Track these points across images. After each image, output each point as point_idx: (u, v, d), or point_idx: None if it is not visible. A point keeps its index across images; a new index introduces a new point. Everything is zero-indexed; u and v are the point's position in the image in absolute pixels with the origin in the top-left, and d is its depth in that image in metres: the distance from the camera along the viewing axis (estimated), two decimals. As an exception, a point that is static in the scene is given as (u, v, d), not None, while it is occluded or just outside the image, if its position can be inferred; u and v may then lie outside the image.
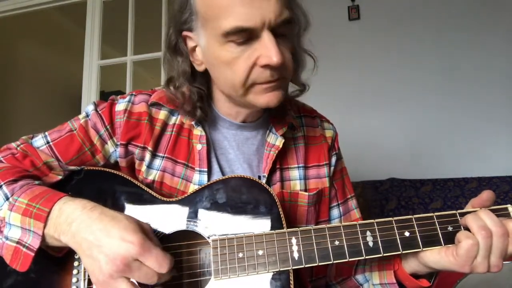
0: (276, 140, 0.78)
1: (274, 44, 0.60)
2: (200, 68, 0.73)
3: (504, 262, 1.13)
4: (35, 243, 0.57)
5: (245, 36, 0.61)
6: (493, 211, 0.61)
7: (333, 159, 0.85)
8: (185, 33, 0.70)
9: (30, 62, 3.52)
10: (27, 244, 0.58)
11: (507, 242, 0.57)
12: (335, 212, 0.84)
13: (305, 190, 0.80)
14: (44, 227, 0.58)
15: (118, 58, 2.61)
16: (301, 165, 0.81)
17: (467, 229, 0.60)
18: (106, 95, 1.42)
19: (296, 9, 0.69)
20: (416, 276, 0.68)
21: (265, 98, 0.67)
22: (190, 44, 0.71)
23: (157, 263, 0.54)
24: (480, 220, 0.58)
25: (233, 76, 0.65)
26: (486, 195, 0.62)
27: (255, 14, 0.59)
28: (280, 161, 0.79)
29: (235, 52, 0.63)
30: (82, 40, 2.59)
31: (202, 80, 0.77)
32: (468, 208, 0.64)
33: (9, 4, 2.76)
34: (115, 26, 2.59)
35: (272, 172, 0.77)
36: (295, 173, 0.80)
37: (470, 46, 2.18)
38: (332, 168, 0.85)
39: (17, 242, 0.58)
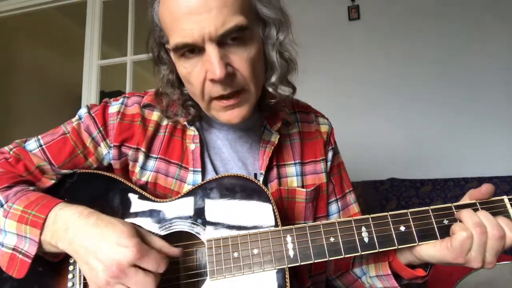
0: (271, 136, 0.78)
1: (215, 58, 0.59)
2: None
3: (504, 263, 1.13)
4: (32, 250, 0.57)
5: (191, 51, 0.61)
6: (489, 202, 0.60)
7: (330, 154, 0.85)
8: (167, 45, 0.70)
9: (30, 62, 3.51)
10: (23, 251, 0.58)
11: (504, 243, 0.56)
12: (333, 207, 0.84)
13: (303, 187, 0.79)
14: (41, 233, 0.57)
15: (118, 58, 2.60)
16: (297, 161, 0.80)
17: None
18: (106, 95, 1.42)
19: (267, 9, 0.65)
20: (411, 266, 0.68)
21: (225, 116, 0.66)
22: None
23: (155, 264, 0.54)
24: (475, 217, 0.57)
25: (193, 89, 0.66)
26: (485, 189, 0.60)
27: (193, 29, 0.58)
28: (277, 158, 0.79)
29: (187, 67, 0.63)
30: (82, 40, 2.59)
31: None
32: (465, 200, 0.63)
33: (9, 4, 2.76)
34: (115, 26, 2.59)
35: (269, 169, 0.77)
36: (291, 170, 0.79)
37: (470, 46, 2.17)
38: (329, 163, 0.84)
39: (13, 249, 0.58)
